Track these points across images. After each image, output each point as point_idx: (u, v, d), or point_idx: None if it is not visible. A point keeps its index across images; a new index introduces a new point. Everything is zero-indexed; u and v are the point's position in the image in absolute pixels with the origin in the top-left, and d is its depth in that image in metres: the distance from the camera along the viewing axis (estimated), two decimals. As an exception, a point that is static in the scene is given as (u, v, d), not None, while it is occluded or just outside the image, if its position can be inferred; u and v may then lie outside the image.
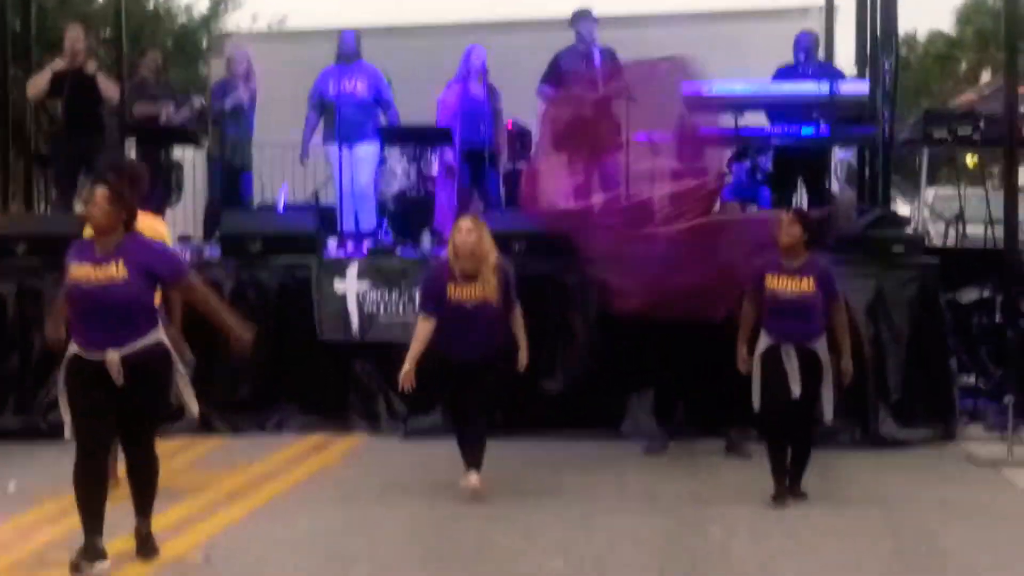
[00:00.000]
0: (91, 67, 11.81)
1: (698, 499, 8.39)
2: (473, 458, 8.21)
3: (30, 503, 8.04)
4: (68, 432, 6.60)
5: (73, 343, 6.64)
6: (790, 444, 8.18)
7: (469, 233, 8.19)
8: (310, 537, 7.47)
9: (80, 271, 6.56)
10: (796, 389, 7.97)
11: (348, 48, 12.60)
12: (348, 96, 12.46)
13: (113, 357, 6.46)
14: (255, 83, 13.12)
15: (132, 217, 6.71)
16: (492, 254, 8.25)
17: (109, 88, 11.68)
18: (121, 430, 6.77)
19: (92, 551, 6.52)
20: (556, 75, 12.00)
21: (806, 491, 8.21)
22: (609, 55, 11.92)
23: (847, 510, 8.06)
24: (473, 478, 8.16)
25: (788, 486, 8.13)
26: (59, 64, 11.85)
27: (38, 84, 12.05)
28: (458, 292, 8.23)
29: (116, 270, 6.51)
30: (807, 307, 8.09)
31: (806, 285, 8.07)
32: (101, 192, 6.62)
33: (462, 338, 8.22)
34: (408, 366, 8.25)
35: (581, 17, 12.14)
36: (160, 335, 6.70)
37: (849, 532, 7.56)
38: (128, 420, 6.69)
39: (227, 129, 12.81)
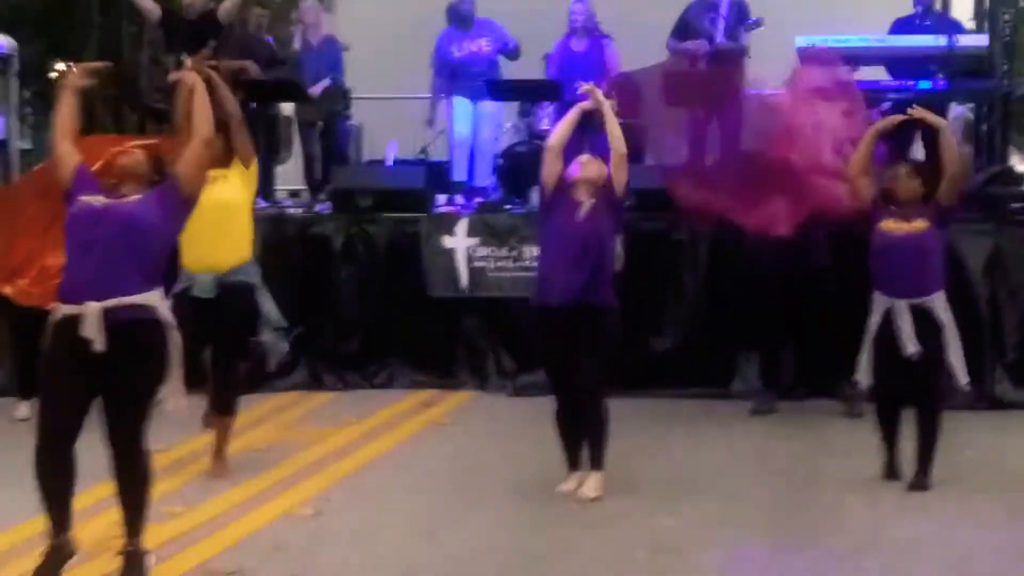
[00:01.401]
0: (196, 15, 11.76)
1: (809, 459, 8.30)
2: (595, 453, 7.36)
3: None
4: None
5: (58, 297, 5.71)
6: (915, 414, 7.67)
7: (586, 167, 7.47)
8: (421, 490, 7.49)
9: (90, 198, 5.72)
10: (912, 347, 7.46)
11: (466, 11, 12.43)
12: (473, 57, 12.27)
13: (93, 309, 5.48)
14: (324, 29, 13.00)
15: (162, 178, 5.92)
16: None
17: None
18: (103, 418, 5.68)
19: (60, 551, 5.62)
20: (684, 29, 11.83)
21: (932, 484, 7.60)
22: (737, 6, 11.73)
23: (962, 472, 7.89)
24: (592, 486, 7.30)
25: (914, 475, 7.60)
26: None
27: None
28: (573, 195, 7.41)
29: (130, 200, 5.73)
30: (921, 248, 7.64)
31: (920, 224, 7.63)
32: (139, 149, 6.01)
33: (563, 266, 7.30)
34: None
35: None
36: (155, 299, 5.73)
37: (964, 492, 7.43)
38: (110, 405, 5.66)
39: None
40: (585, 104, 7.76)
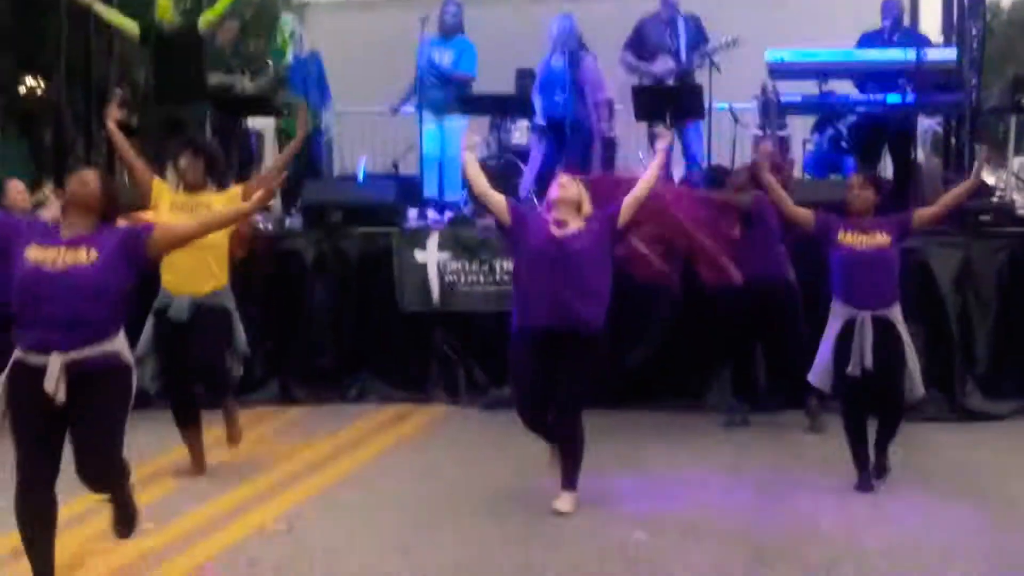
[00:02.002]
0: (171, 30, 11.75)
1: (782, 470, 8.32)
2: (569, 474, 7.30)
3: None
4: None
5: (17, 347, 5.47)
6: (877, 417, 7.87)
7: (564, 188, 7.37)
8: (394, 505, 7.46)
9: (42, 254, 5.41)
10: (868, 361, 7.56)
11: (448, 22, 12.48)
12: (435, 67, 12.37)
13: (55, 362, 5.31)
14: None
15: (113, 210, 5.69)
16: (588, 206, 7.41)
17: None
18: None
19: None
20: (639, 42, 11.90)
21: (891, 465, 7.97)
22: (694, 23, 11.80)
23: (934, 481, 7.97)
24: (568, 498, 7.29)
25: (874, 459, 7.87)
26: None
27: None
28: (550, 227, 7.29)
29: (86, 255, 5.41)
30: (884, 263, 7.74)
31: (881, 239, 7.73)
32: (92, 175, 5.64)
33: (543, 288, 7.12)
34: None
35: None
36: (118, 345, 5.54)
37: (937, 501, 7.48)
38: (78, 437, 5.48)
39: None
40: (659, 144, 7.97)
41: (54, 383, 5.27)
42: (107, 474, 5.57)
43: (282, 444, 9.14)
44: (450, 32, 12.51)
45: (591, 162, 11.60)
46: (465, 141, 7.84)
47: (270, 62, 13.13)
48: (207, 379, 8.08)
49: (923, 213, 8.01)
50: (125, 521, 5.83)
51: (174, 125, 11.51)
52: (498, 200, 7.49)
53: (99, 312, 5.40)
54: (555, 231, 7.24)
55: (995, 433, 9.42)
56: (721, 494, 7.72)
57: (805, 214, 8.04)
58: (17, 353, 5.41)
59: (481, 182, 7.54)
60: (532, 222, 7.42)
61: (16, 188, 10.21)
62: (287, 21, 12.69)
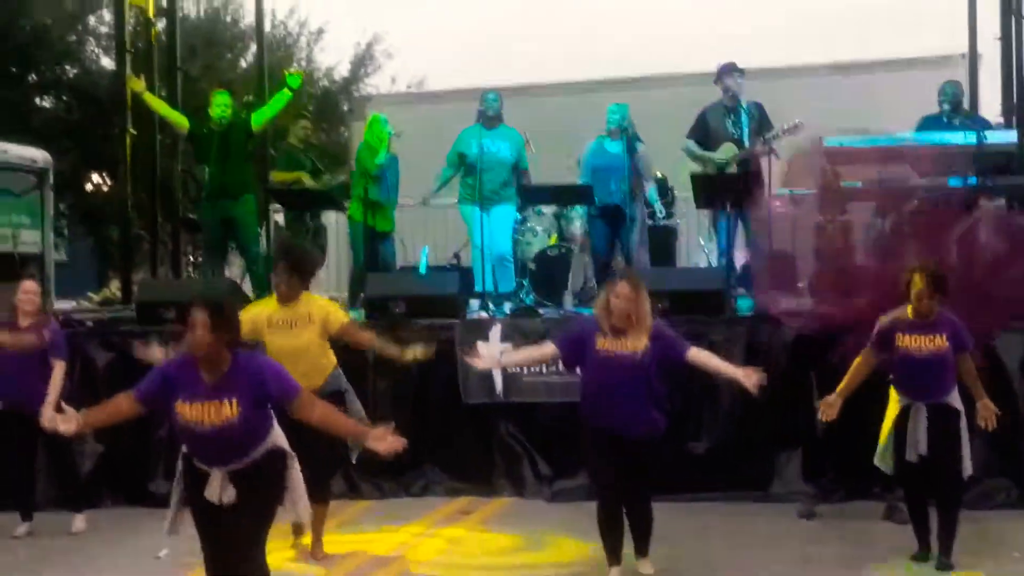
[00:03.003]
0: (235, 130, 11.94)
1: (852, 562, 8.22)
2: (641, 545, 7.88)
3: (180, 569, 8.13)
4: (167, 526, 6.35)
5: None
6: (934, 505, 8.00)
7: (627, 300, 7.59)
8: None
9: (191, 413, 6.00)
10: (920, 449, 7.78)
11: (492, 109, 12.53)
12: (492, 157, 12.34)
13: (217, 475, 6.05)
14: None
15: (236, 340, 6.13)
16: (648, 318, 7.68)
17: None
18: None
19: None
20: (702, 130, 11.96)
21: (955, 563, 7.87)
22: (756, 109, 11.85)
23: (1005, 570, 7.89)
24: (648, 565, 7.90)
25: (938, 554, 7.90)
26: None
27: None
28: (607, 344, 7.62)
29: (230, 409, 5.97)
30: (941, 363, 7.89)
31: (939, 342, 7.87)
32: (201, 319, 5.97)
33: (608, 401, 7.59)
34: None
35: (727, 71, 12.03)
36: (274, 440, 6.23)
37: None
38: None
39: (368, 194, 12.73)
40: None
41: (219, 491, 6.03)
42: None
43: (349, 537, 9.12)
44: (494, 120, 12.53)
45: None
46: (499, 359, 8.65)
47: (354, 160, 13.20)
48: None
49: (961, 364, 7.98)
50: None
51: (229, 223, 11.70)
52: (548, 352, 8.09)
53: (250, 443, 6.09)
54: (608, 345, 7.63)
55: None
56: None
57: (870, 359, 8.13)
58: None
59: (526, 358, 8.36)
60: (588, 340, 7.72)
61: (25, 289, 9.75)
62: (381, 120, 12.63)
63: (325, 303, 8.59)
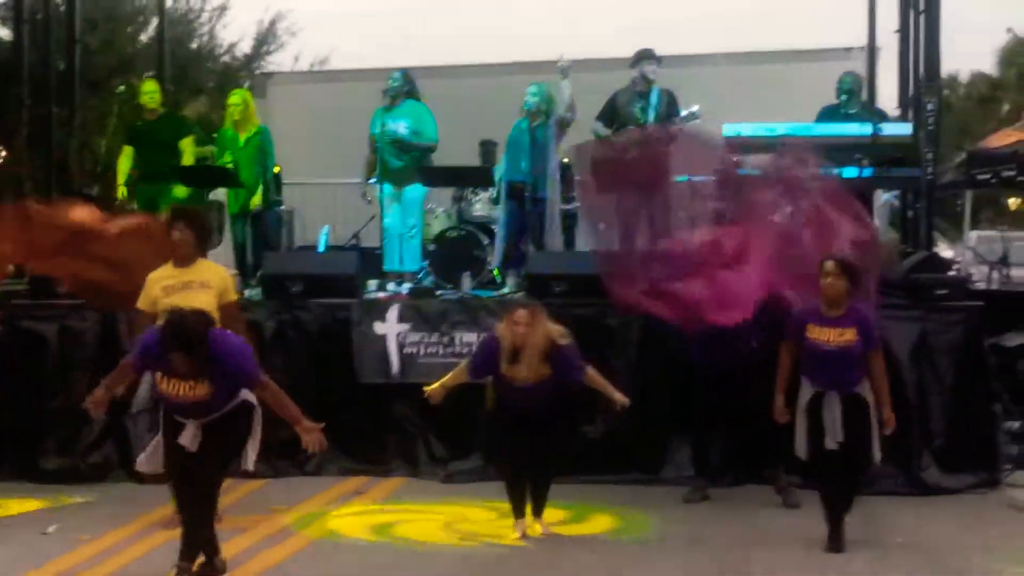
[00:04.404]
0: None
1: (741, 543, 8.32)
2: (538, 504, 8.51)
3: (70, 546, 8.04)
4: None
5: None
6: (836, 486, 8.13)
7: (524, 329, 8.20)
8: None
9: (169, 388, 6.89)
10: (837, 437, 7.93)
11: (391, 89, 12.35)
12: (391, 135, 12.14)
13: (191, 426, 6.94)
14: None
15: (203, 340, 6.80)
16: (541, 344, 8.19)
17: None
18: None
19: None
20: (612, 114, 11.96)
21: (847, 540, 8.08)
22: (668, 96, 11.89)
23: (891, 555, 8.01)
24: (538, 525, 8.46)
25: (829, 534, 8.03)
26: None
27: None
28: (510, 370, 8.24)
29: (203, 388, 6.83)
30: (850, 356, 8.03)
31: (849, 336, 8.00)
32: (181, 359, 6.71)
33: (515, 412, 8.34)
34: (438, 386, 8.54)
35: (643, 57, 12.03)
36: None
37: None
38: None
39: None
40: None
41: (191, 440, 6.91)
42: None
43: (239, 517, 9.05)
44: (395, 97, 12.22)
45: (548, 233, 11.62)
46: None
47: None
48: None
49: (871, 363, 8.13)
50: None
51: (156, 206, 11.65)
52: (458, 373, 8.62)
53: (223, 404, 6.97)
54: (510, 372, 8.22)
55: (951, 506, 9.43)
56: (680, 564, 7.75)
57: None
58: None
59: (449, 382, 8.57)
60: (494, 361, 8.32)
61: None
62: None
63: (224, 275, 8.57)
